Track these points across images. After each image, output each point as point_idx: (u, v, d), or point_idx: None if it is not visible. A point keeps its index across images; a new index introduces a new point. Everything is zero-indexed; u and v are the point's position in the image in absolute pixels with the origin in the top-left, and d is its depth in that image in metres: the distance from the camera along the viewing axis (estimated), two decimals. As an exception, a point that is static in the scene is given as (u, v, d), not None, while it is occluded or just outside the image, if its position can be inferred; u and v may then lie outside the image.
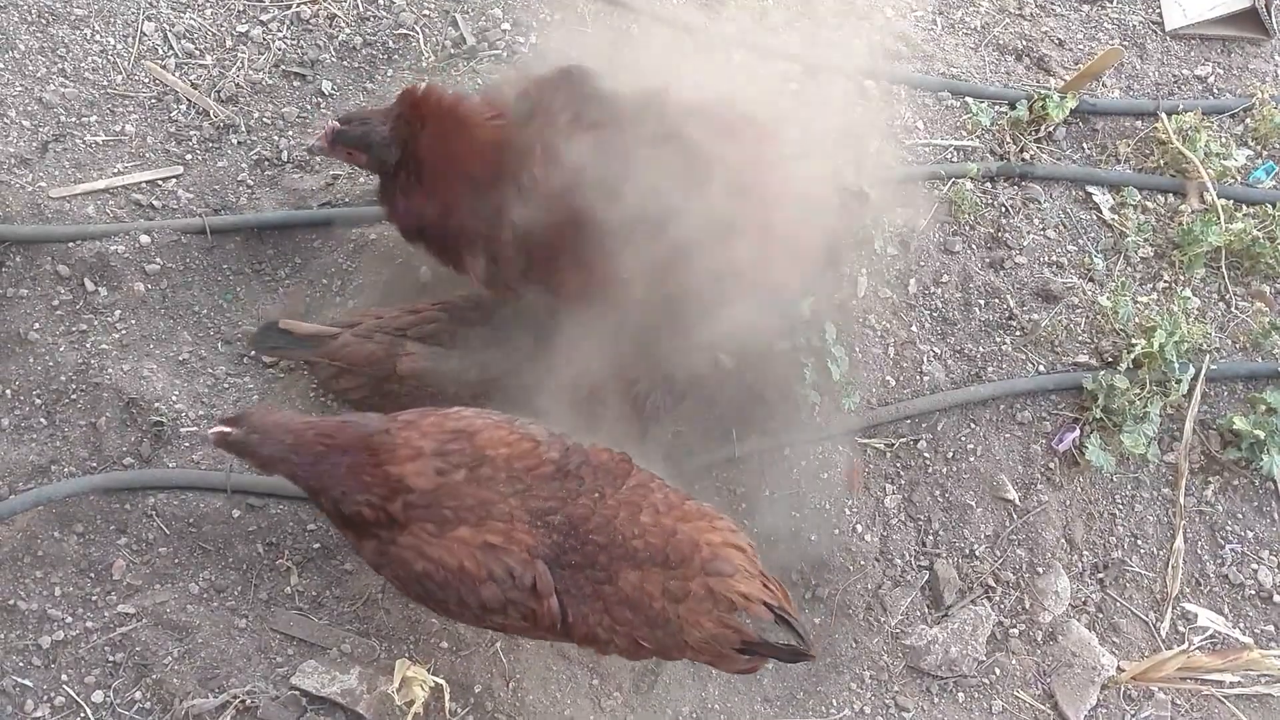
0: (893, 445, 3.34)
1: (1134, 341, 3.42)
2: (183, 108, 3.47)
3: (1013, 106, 3.78)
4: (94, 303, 3.17)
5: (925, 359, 3.42)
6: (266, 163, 3.42)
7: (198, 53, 3.55)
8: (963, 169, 3.64)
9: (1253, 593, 3.44)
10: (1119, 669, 3.28)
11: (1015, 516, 3.36)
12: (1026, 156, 3.75)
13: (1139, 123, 3.88)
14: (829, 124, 3.30)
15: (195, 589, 2.96)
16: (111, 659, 2.87)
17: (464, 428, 2.45)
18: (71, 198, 3.27)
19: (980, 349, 3.47)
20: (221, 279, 3.31)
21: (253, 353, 3.19)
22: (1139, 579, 3.41)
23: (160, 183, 3.37)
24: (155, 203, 3.34)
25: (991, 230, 3.62)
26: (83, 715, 2.81)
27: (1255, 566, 3.46)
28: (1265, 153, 3.89)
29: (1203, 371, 3.48)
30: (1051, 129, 3.80)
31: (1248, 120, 3.93)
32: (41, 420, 3.06)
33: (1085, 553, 3.39)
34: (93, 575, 2.93)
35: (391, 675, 2.75)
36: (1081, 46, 4.01)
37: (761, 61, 3.67)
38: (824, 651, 3.18)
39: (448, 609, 2.50)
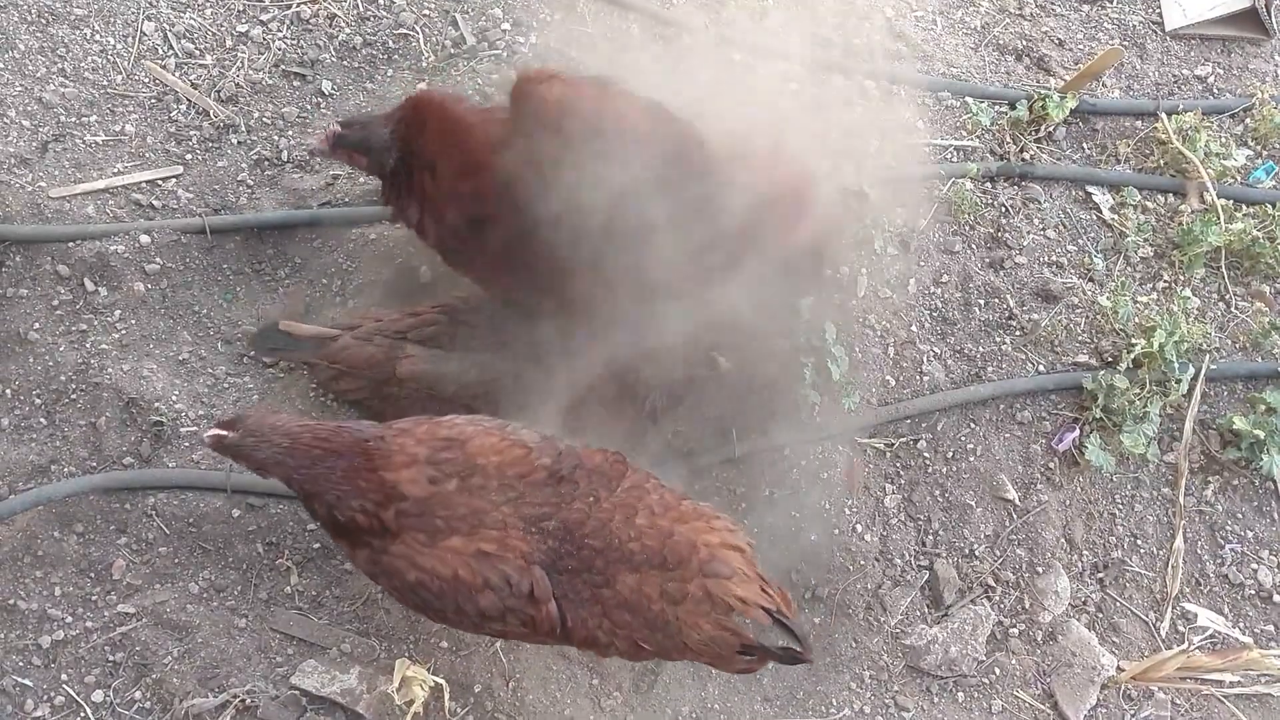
0: (892, 445, 3.34)
1: (1134, 341, 3.42)
2: (183, 108, 3.47)
3: (1013, 106, 3.78)
4: (94, 303, 3.17)
5: (925, 359, 3.42)
6: (266, 163, 3.42)
7: (198, 53, 3.55)
8: (963, 169, 3.64)
9: (1253, 593, 3.44)
10: (1119, 669, 3.28)
11: (1015, 516, 3.36)
12: (1026, 156, 3.75)
13: (1139, 123, 3.88)
14: (829, 124, 3.31)
15: (195, 589, 2.96)
16: (111, 659, 2.87)
17: (456, 435, 2.44)
18: (71, 197, 3.27)
19: (980, 349, 3.47)
20: (221, 279, 3.31)
21: (252, 353, 3.19)
22: (1139, 579, 3.41)
23: (160, 183, 3.37)
24: (155, 203, 3.34)
25: (991, 230, 3.62)
26: (83, 715, 2.81)
27: (1255, 566, 3.46)
28: (1265, 153, 3.89)
29: (1203, 371, 3.48)
30: (1051, 129, 3.80)
31: (1248, 120, 3.94)
32: (41, 420, 3.06)
33: (1085, 552, 3.39)
34: (93, 575, 2.93)
35: (391, 675, 2.75)
36: (1081, 46, 4.01)
37: (761, 61, 3.67)
38: (824, 651, 3.18)
39: (446, 618, 2.49)
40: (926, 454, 3.35)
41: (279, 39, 3.59)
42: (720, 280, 2.78)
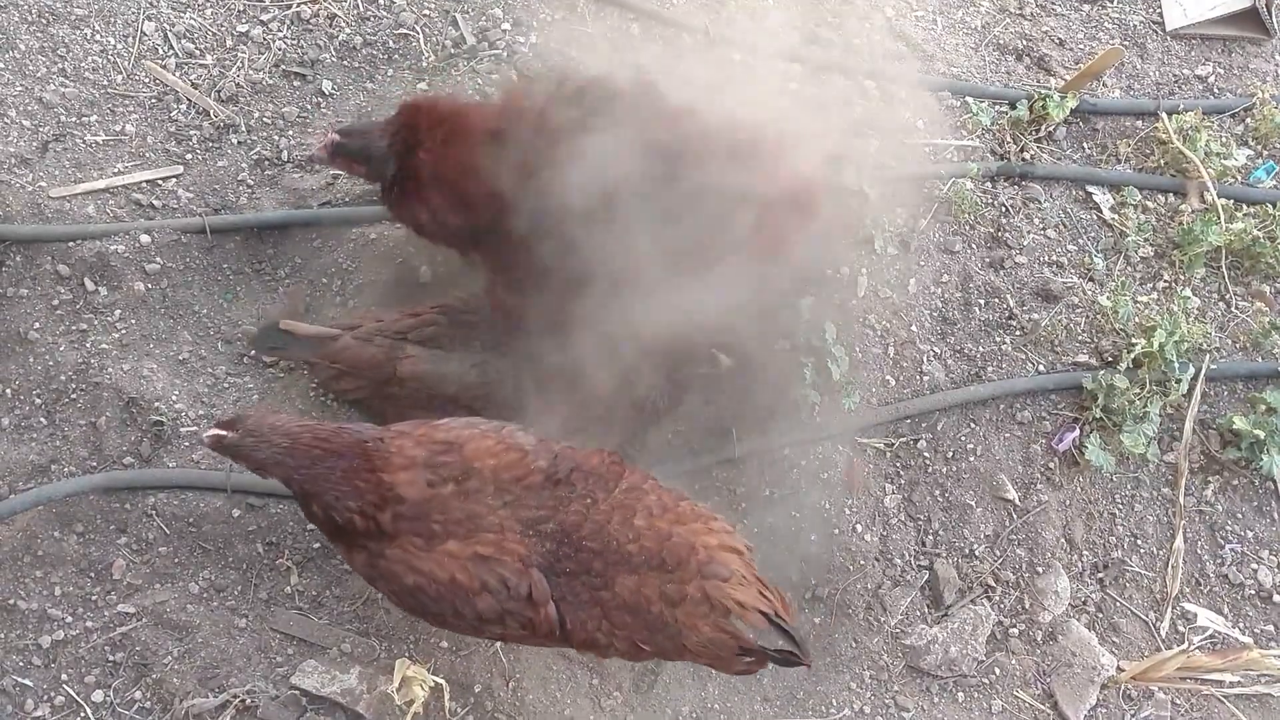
0: (892, 445, 3.34)
1: (1134, 341, 3.42)
2: (183, 107, 3.47)
3: (1013, 106, 3.78)
4: (94, 302, 3.17)
5: (925, 359, 3.42)
6: (266, 162, 3.42)
7: (198, 52, 3.55)
8: (963, 169, 3.63)
9: (1253, 593, 3.44)
10: (1119, 669, 3.28)
11: (1015, 516, 3.36)
12: (1027, 156, 3.75)
13: (1139, 122, 3.88)
14: (829, 124, 3.31)
15: (195, 589, 2.96)
16: (111, 658, 2.87)
17: (452, 439, 2.44)
18: (71, 197, 3.27)
19: (980, 349, 3.47)
20: (221, 278, 3.31)
21: (253, 353, 3.19)
22: (1139, 579, 3.41)
23: (160, 182, 3.37)
24: (155, 202, 3.34)
25: (991, 230, 3.62)
26: (83, 715, 2.81)
27: (1255, 566, 3.46)
28: (1265, 152, 3.89)
29: (1203, 371, 3.48)
30: (1052, 129, 3.80)
31: (1248, 120, 3.93)
32: (41, 420, 3.06)
33: (1085, 552, 3.39)
34: (93, 575, 2.93)
35: (391, 675, 2.74)
36: (1082, 46, 4.01)
37: (762, 61, 3.67)
38: (824, 651, 3.18)
39: (445, 621, 2.49)
40: (926, 454, 3.35)
41: (279, 39, 3.59)
42: (718, 272, 2.77)
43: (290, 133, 3.46)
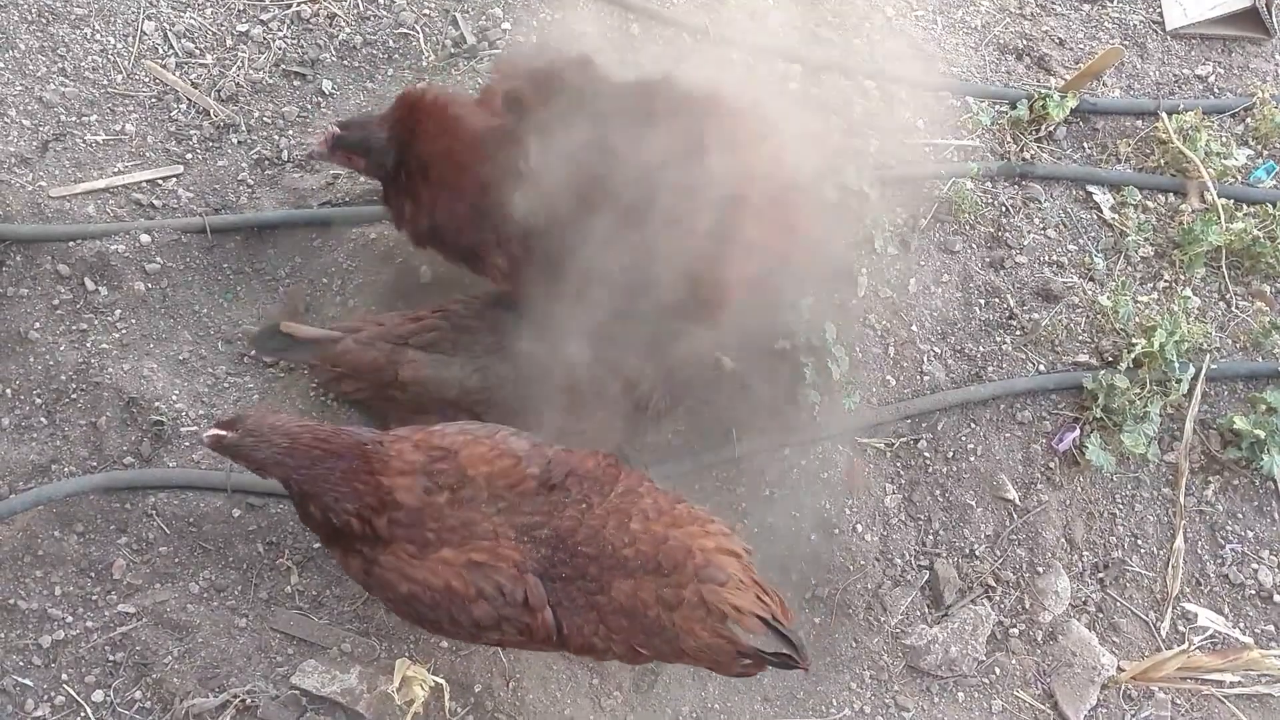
0: (893, 445, 3.34)
1: (1134, 341, 3.42)
2: (183, 107, 3.47)
3: (1013, 106, 3.78)
4: (94, 302, 3.17)
5: (925, 359, 3.42)
6: (267, 162, 3.42)
7: (198, 52, 3.55)
8: (963, 169, 3.63)
9: (1253, 593, 3.44)
10: (1119, 669, 3.28)
11: (1015, 516, 3.36)
12: (1027, 156, 3.75)
13: (1139, 122, 3.88)
14: (829, 124, 3.31)
15: (195, 588, 2.96)
16: (111, 658, 2.87)
17: (449, 446, 2.43)
18: (71, 197, 3.27)
19: (980, 349, 3.47)
20: (222, 278, 3.31)
21: (253, 353, 3.19)
22: (1139, 579, 3.41)
23: (160, 182, 3.37)
24: (155, 202, 3.34)
25: (992, 230, 3.62)
26: (83, 715, 2.81)
27: (1255, 566, 3.46)
28: (1265, 152, 3.89)
29: (1203, 371, 3.48)
30: (1052, 128, 3.80)
31: (1248, 120, 3.93)
32: (42, 419, 3.06)
33: (1085, 552, 3.39)
34: (93, 575, 2.93)
35: (392, 674, 2.75)
36: (1082, 46, 4.00)
37: (762, 61, 3.67)
38: (824, 651, 3.18)
39: (441, 628, 2.49)
40: (927, 454, 3.35)
41: (279, 38, 3.59)
42: (718, 266, 2.77)
43: (290, 132, 3.46)
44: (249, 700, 2.82)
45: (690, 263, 2.68)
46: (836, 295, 3.35)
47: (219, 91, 3.49)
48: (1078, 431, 3.40)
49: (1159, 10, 4.11)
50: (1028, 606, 3.32)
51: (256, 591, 2.98)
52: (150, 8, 3.58)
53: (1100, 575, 3.39)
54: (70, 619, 2.89)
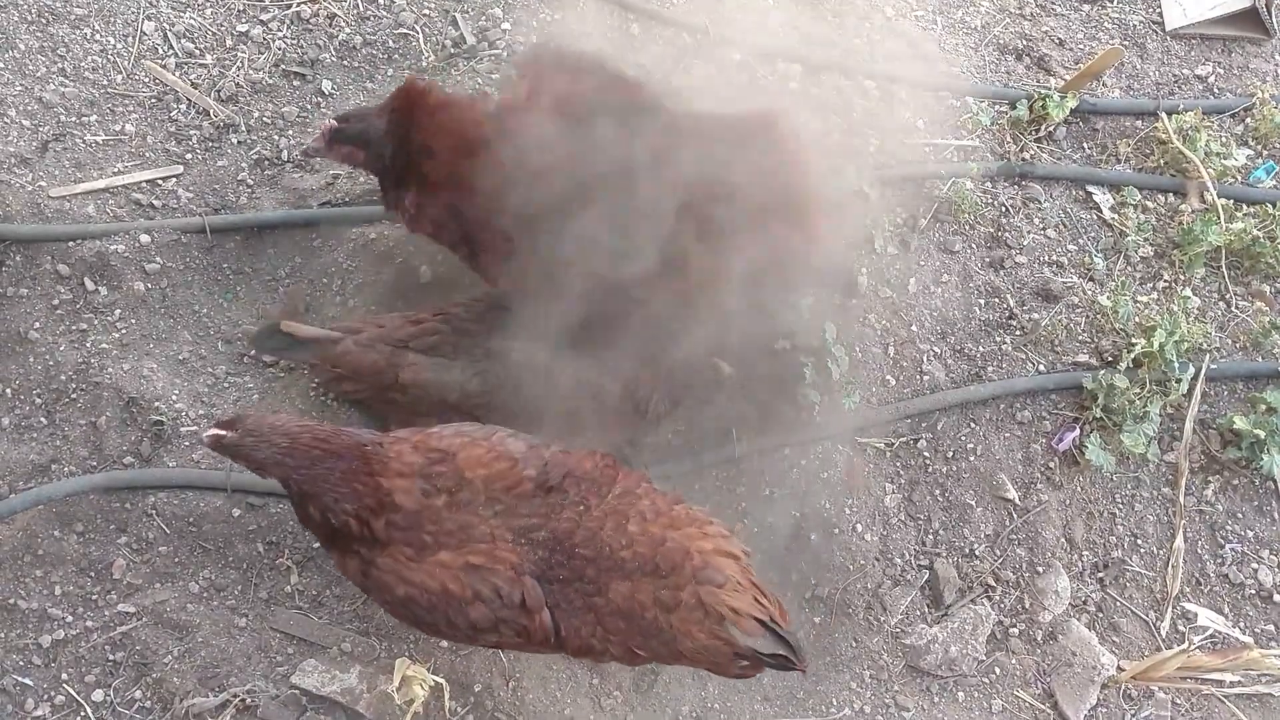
0: (892, 445, 3.34)
1: (1134, 341, 3.42)
2: (183, 107, 3.47)
3: (1013, 106, 3.78)
4: (94, 302, 3.17)
5: (925, 358, 3.42)
6: (266, 162, 3.42)
7: (198, 52, 3.55)
8: (963, 169, 3.63)
9: (1253, 592, 3.44)
10: (1119, 668, 3.28)
11: (1015, 516, 3.36)
12: (1026, 156, 3.75)
13: (1139, 122, 3.88)
14: (828, 124, 3.31)
15: (195, 588, 2.96)
16: (111, 658, 2.87)
17: (445, 448, 2.43)
18: (71, 197, 3.27)
19: (980, 348, 3.47)
20: (221, 278, 3.31)
21: (253, 353, 3.19)
22: (1139, 578, 3.41)
23: (160, 182, 3.37)
24: (155, 202, 3.34)
25: (991, 230, 3.62)
26: (83, 714, 2.81)
27: (1255, 566, 3.46)
28: (1265, 152, 3.89)
29: (1203, 371, 3.48)
30: (1051, 128, 3.80)
31: (1248, 120, 3.93)
32: (41, 419, 3.06)
33: (1085, 552, 3.39)
34: (93, 574, 2.93)
35: (391, 674, 2.75)
36: (1082, 46, 4.01)
37: (762, 61, 3.67)
38: (824, 651, 3.18)
39: (439, 631, 2.48)
40: (927, 454, 3.35)
41: (279, 39, 3.59)
42: (719, 263, 2.77)
43: (290, 132, 3.46)
44: (249, 700, 2.82)
45: (692, 261, 2.69)
46: (836, 295, 3.35)
47: (219, 92, 3.49)
48: (1077, 431, 3.40)
49: (1159, 10, 4.11)
50: (1028, 606, 3.32)
51: (256, 591, 2.98)
52: (150, 8, 3.58)
53: (1100, 575, 3.39)
54: (70, 619, 2.89)
